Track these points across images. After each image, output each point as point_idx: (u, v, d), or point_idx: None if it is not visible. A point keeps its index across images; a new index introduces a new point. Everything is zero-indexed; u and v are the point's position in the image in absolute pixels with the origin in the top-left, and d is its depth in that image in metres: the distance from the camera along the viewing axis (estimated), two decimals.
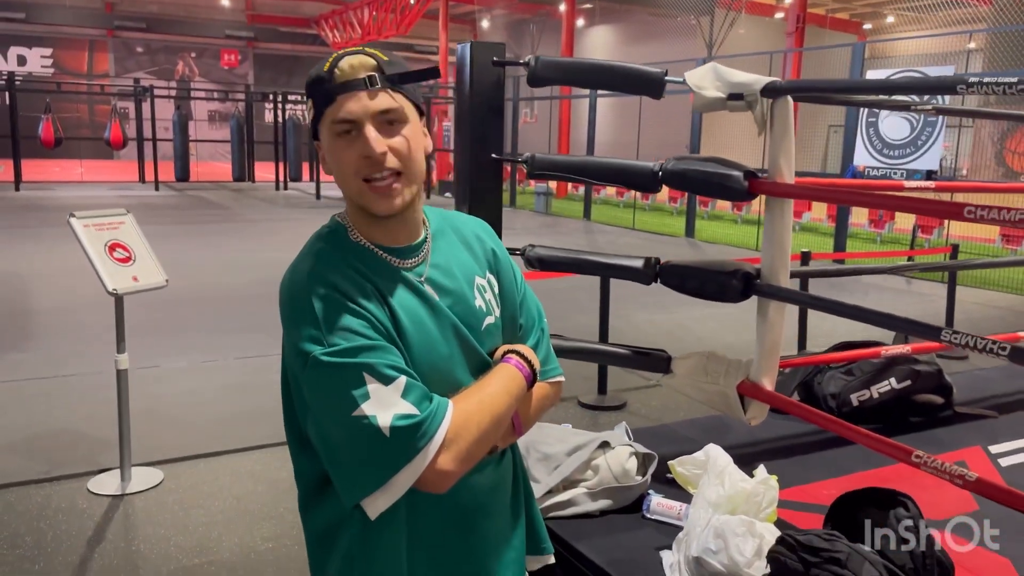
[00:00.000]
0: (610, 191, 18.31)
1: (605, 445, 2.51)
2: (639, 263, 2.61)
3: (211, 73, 33.57)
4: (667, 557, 2.15)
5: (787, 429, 3.11)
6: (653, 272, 2.60)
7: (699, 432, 3.18)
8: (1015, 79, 1.69)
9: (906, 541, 1.67)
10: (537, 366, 1.35)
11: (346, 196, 1.26)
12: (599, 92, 14.01)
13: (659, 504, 2.40)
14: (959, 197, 5.50)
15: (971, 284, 8.95)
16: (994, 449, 3.04)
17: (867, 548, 1.62)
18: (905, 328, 2.06)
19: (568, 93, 17.70)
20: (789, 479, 2.59)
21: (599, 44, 27.95)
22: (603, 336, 5.06)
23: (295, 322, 1.19)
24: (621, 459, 2.47)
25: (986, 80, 1.75)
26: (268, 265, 9.60)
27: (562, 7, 21.49)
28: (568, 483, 2.45)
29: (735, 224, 15.06)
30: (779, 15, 23.25)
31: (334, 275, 1.20)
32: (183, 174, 21.07)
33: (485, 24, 29.80)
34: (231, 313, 7.17)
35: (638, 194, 16.22)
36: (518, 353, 1.34)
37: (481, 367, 1.32)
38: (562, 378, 1.47)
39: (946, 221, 10.92)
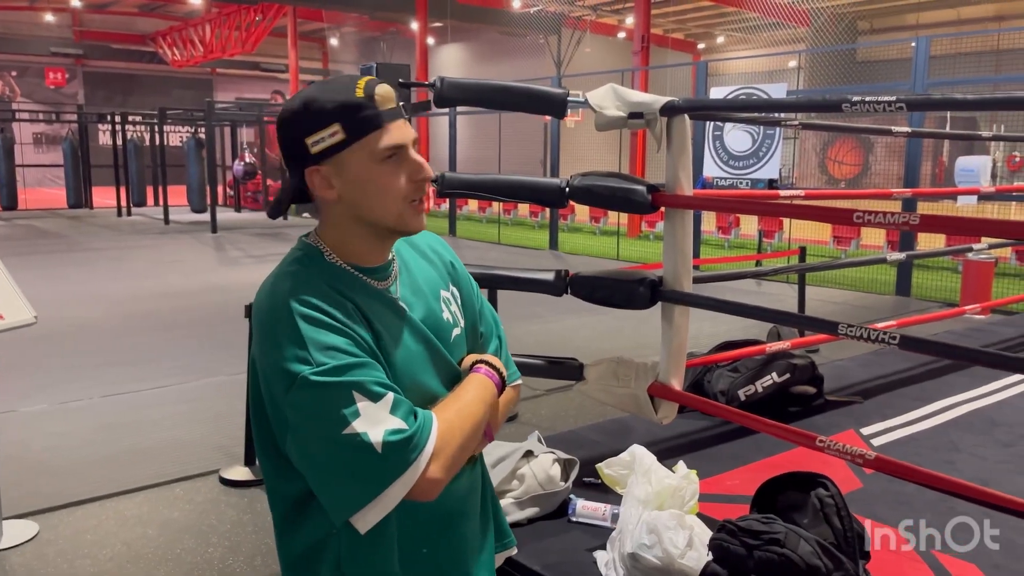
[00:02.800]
0: (472, 206, 18.50)
1: (529, 454, 2.57)
2: (551, 276, 2.70)
3: (35, 93, 31.09)
4: (601, 556, 2.23)
5: (686, 427, 3.30)
6: (564, 284, 2.70)
7: (603, 435, 3.32)
8: (894, 97, 1.91)
9: (828, 518, 1.83)
10: (504, 373, 1.41)
11: (370, 218, 1.27)
12: (458, 109, 14.17)
13: (584, 507, 2.49)
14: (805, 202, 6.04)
15: (813, 283, 9.72)
16: (865, 431, 3.36)
17: (800, 529, 1.77)
18: (806, 325, 2.25)
19: (427, 110, 17.73)
20: (699, 473, 2.75)
21: (451, 62, 28.21)
22: None
23: (277, 343, 1.18)
24: (545, 466, 2.54)
25: (867, 99, 1.97)
26: (125, 295, 9.04)
27: (414, 25, 21.57)
28: (496, 495, 2.49)
29: (594, 236, 15.62)
30: (621, 35, 24.37)
31: (315, 295, 1.21)
32: (10, 202, 19.39)
33: (334, 42, 29.37)
34: (90, 348, 6.69)
35: (501, 208, 16.48)
36: (486, 362, 1.40)
37: (453, 377, 1.37)
38: (521, 381, 1.53)
39: (786, 225, 11.83)
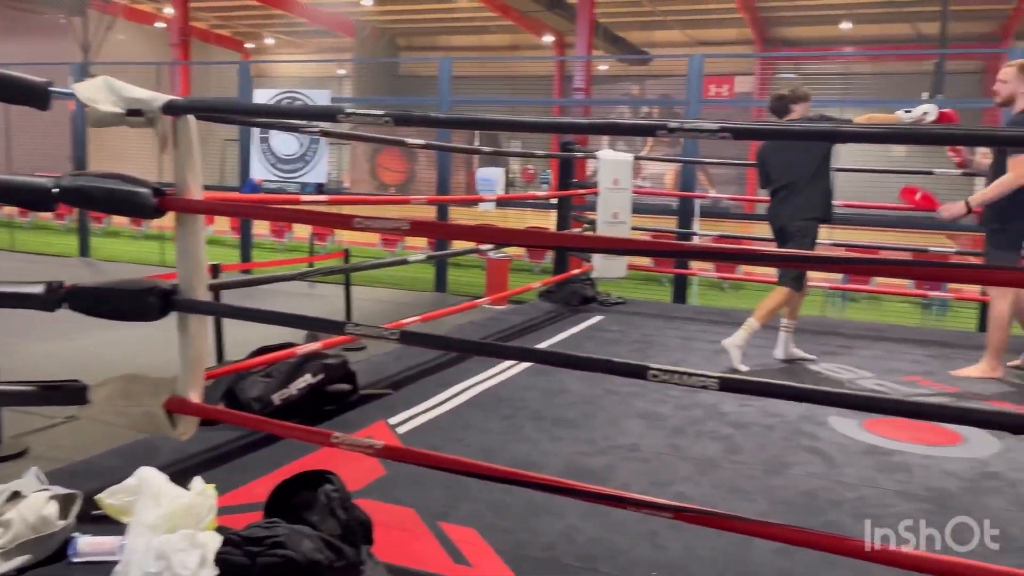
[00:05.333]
0: None
1: (16, 496, 2.23)
2: (39, 289, 2.37)
3: None
4: None
5: (218, 438, 3.17)
6: (58, 298, 2.39)
7: (124, 460, 3.03)
8: (382, 112, 2.05)
9: (334, 512, 1.91)
10: None
11: None
12: None
13: (87, 544, 2.23)
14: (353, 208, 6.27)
15: (363, 283, 10.16)
16: (393, 420, 3.60)
17: (306, 527, 1.81)
18: (316, 326, 2.32)
19: None
20: (226, 485, 2.67)
21: None
22: None
23: None
24: (37, 507, 2.23)
25: (360, 111, 2.09)
26: None
27: None
28: None
29: (135, 240, 14.29)
30: (160, 24, 22.70)
31: None
32: None
33: None
34: None
35: (15, 210, 14.15)
36: None
37: None
38: None
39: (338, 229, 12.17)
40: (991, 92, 4.61)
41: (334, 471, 2.22)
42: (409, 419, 3.63)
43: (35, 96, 2.33)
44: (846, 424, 3.68)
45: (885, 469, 3.17)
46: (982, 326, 6.57)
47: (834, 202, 4.77)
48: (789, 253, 3.83)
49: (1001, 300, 4.50)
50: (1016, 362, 4.79)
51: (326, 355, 3.71)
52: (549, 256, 10.85)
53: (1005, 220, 4.32)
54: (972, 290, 6.73)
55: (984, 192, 4.30)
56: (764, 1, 18.87)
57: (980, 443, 3.46)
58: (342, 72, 24.74)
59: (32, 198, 2.33)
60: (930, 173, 7.52)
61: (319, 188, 9.79)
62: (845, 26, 19.57)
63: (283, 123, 3.54)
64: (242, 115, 2.77)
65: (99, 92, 2.32)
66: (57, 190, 2.33)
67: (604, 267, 6.77)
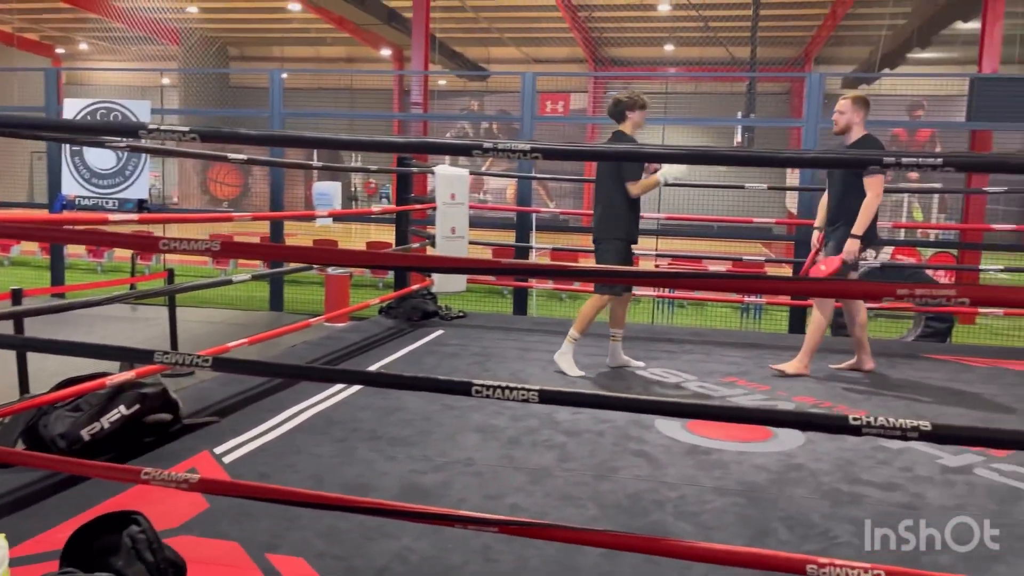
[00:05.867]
0: None
1: None
2: None
3: None
4: None
5: (14, 482, 2.89)
6: None
7: None
8: (187, 128, 1.96)
9: (141, 555, 1.78)
10: None
11: None
12: None
13: None
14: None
15: (192, 304, 9.64)
16: (219, 450, 3.43)
17: (110, 575, 1.68)
18: (120, 356, 2.17)
19: None
20: (21, 533, 2.44)
21: None
22: None
23: None
24: None
25: (164, 127, 1.98)
26: None
27: None
28: None
29: None
30: None
31: None
32: None
33: None
34: None
35: None
36: None
37: None
38: None
39: None
40: (795, 114, 5.06)
41: (145, 510, 2.08)
42: (236, 447, 3.47)
43: None
44: (670, 426, 3.87)
45: (704, 467, 3.37)
46: (792, 328, 7.15)
47: (639, 219, 4.96)
48: (608, 269, 3.97)
49: (826, 307, 4.97)
50: (841, 364, 5.25)
51: (143, 384, 3.47)
52: (391, 272, 10.75)
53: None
54: (784, 296, 7.30)
55: (859, 221, 4.63)
56: (594, 22, 19.69)
57: (787, 437, 3.75)
58: (166, 81, 23.44)
59: None
60: (741, 187, 8.11)
61: (140, 204, 9.21)
62: (668, 48, 20.78)
63: (87, 139, 3.29)
64: (32, 130, 2.55)
65: None
66: None
67: (444, 282, 6.79)
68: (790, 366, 5.05)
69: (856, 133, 4.82)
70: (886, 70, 18.15)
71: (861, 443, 3.65)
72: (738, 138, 14.20)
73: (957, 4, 14.80)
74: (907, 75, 18.66)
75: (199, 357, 2.08)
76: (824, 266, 4.75)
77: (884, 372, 5.21)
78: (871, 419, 1.75)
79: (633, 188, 4.72)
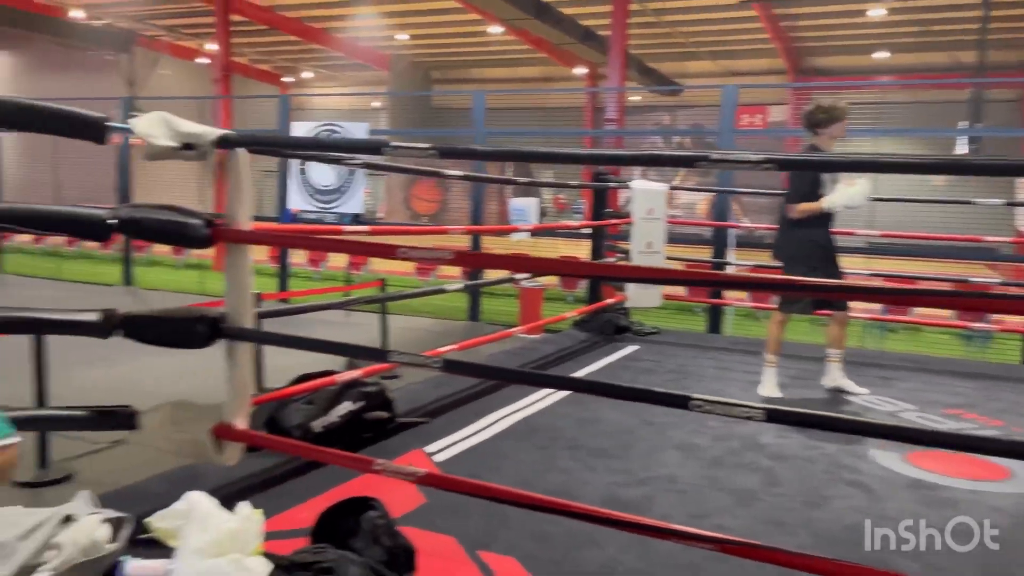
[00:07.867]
0: (26, 236, 16.00)
1: (68, 519, 2.28)
2: (95, 316, 2.45)
3: None
4: None
5: (259, 464, 3.22)
6: (112, 325, 2.47)
7: (170, 485, 3.08)
8: (428, 145, 2.11)
9: (378, 539, 1.93)
10: None
11: None
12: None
13: (136, 568, 2.28)
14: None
15: (397, 312, 10.26)
16: (429, 449, 3.63)
17: (352, 554, 1.83)
18: (359, 354, 2.36)
19: None
20: (270, 510, 2.71)
21: None
22: (42, 401, 4.47)
23: None
24: (89, 530, 2.27)
25: (406, 144, 2.15)
26: None
27: None
28: (27, 570, 2.16)
29: (176, 269, 14.59)
30: (202, 60, 23.31)
31: None
32: None
33: None
34: None
35: (60, 240, 14.55)
36: None
37: None
38: (14, 440, 1.36)
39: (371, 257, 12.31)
40: None
41: (377, 497, 2.25)
42: (446, 447, 3.65)
43: (92, 130, 2.43)
44: (888, 457, 3.62)
45: (929, 504, 3.11)
46: None
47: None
48: (816, 283, 3.54)
49: None
50: None
51: (365, 383, 3.76)
52: (583, 285, 10.83)
53: None
54: (1016, 321, 6.61)
55: None
56: (797, 31, 18.87)
57: None
58: (376, 104, 25.15)
59: (90, 229, 2.42)
60: (970, 203, 7.43)
61: (356, 218, 9.95)
62: (880, 55, 19.48)
63: (327, 156, 3.63)
64: (292, 148, 2.85)
65: (155, 127, 2.41)
66: (115, 221, 2.41)
67: (639, 296, 6.77)
68: None
69: None
70: None
71: None
72: (962, 149, 13.01)
73: None
74: None
75: (430, 358, 2.22)
76: None
77: None
78: None
79: (794, 210, 4.44)
